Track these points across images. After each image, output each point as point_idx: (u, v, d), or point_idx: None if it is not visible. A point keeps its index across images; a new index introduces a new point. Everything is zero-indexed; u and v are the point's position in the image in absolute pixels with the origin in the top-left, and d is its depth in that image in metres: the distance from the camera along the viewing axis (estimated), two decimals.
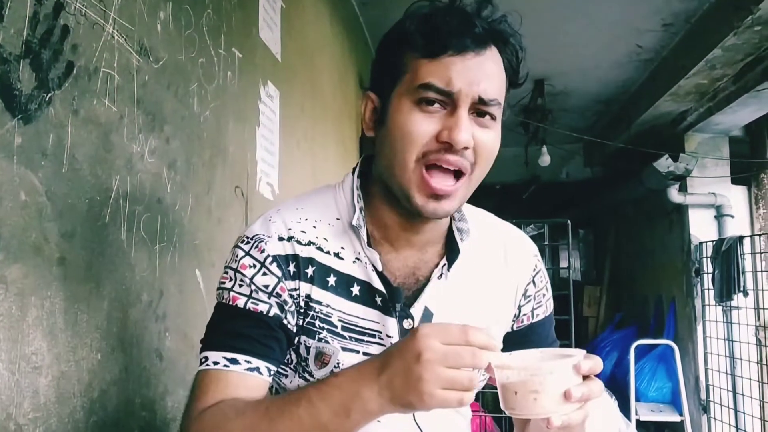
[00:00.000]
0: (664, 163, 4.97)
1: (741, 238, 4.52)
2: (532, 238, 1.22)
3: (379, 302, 0.98)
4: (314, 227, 0.99)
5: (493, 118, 0.92)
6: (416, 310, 0.98)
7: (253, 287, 0.95)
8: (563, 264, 8.78)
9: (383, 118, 0.95)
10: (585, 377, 0.80)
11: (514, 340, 1.08)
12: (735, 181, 5.30)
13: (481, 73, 0.89)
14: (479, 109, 0.90)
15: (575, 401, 0.78)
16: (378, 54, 0.99)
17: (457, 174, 0.92)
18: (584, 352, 0.82)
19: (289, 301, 0.96)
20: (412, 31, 0.91)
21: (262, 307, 0.95)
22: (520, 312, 1.10)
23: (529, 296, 1.10)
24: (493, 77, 0.91)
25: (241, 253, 0.97)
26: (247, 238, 0.98)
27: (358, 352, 0.97)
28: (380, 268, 0.97)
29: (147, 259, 1.33)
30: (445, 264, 1.01)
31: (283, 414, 0.85)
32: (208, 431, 0.88)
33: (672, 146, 5.22)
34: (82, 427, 1.10)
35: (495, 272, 1.07)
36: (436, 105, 0.90)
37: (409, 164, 0.91)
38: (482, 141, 0.91)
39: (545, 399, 0.78)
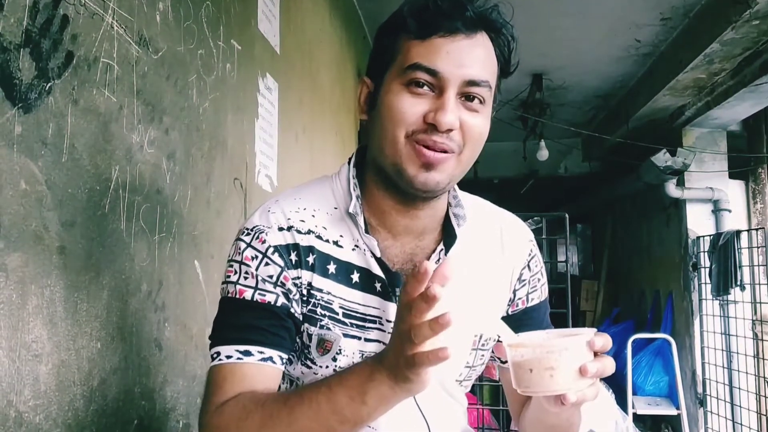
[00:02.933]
0: (662, 158, 4.98)
1: (738, 233, 4.53)
2: None
3: (378, 288, 0.99)
4: (313, 216, 1.00)
5: (482, 101, 0.93)
6: None
7: (258, 278, 0.96)
8: (561, 258, 8.78)
9: (375, 101, 0.97)
10: (595, 354, 0.82)
11: (509, 325, 1.09)
12: (732, 175, 5.31)
13: (470, 56, 0.91)
14: (468, 92, 0.91)
15: (591, 377, 0.79)
16: (375, 40, 1.01)
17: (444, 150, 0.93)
18: (594, 330, 0.83)
19: (294, 289, 0.97)
20: (405, 15, 0.93)
21: (270, 298, 0.95)
22: (515, 296, 1.11)
23: (524, 280, 1.11)
24: (482, 61, 0.92)
25: (243, 245, 0.98)
26: (248, 229, 0.99)
27: (359, 338, 0.98)
28: (378, 255, 0.98)
29: (146, 249, 1.33)
30: (442, 249, 1.02)
31: (302, 401, 0.85)
32: (231, 424, 0.88)
33: (670, 141, 5.23)
34: (82, 415, 1.10)
35: (491, 257, 1.08)
36: (425, 87, 0.91)
37: (399, 140, 0.92)
38: (470, 124, 0.93)
39: (561, 375, 0.79)
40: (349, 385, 0.84)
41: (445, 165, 0.93)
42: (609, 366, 0.82)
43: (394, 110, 0.92)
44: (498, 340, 1.05)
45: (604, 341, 0.82)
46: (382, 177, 0.99)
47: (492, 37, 0.94)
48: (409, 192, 0.96)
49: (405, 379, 0.79)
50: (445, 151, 0.92)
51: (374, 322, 0.99)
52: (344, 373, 0.86)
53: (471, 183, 1.09)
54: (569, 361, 0.79)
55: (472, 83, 0.91)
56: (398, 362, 0.78)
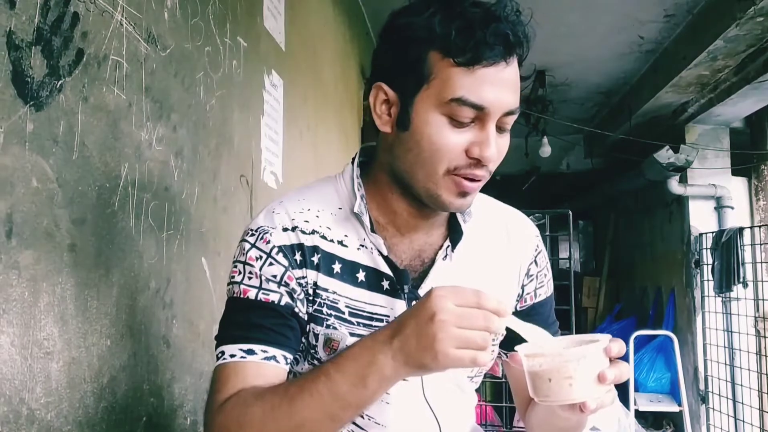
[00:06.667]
0: (665, 155, 4.98)
1: (741, 230, 4.53)
2: None
3: (386, 286, 0.99)
4: (317, 216, 1.00)
5: (509, 123, 0.93)
6: (423, 292, 0.99)
7: (262, 278, 0.96)
8: (563, 255, 8.79)
9: (404, 121, 0.92)
10: (610, 360, 0.82)
11: None
12: (735, 172, 5.31)
13: (509, 86, 0.89)
14: (504, 120, 0.91)
15: (609, 383, 0.80)
16: (391, 43, 0.95)
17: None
18: (609, 336, 0.83)
19: (298, 289, 0.97)
20: (442, 33, 0.87)
21: (273, 297, 0.96)
22: (523, 291, 1.12)
23: (531, 276, 1.12)
24: (516, 87, 0.91)
25: (247, 246, 0.98)
26: (252, 230, 0.99)
27: None
28: (385, 253, 0.98)
29: (155, 246, 1.33)
30: (449, 245, 1.02)
31: (302, 391, 0.86)
32: (232, 419, 0.88)
33: (673, 137, 5.22)
34: (92, 412, 1.11)
35: (498, 252, 1.09)
36: (467, 118, 0.88)
37: (439, 173, 0.91)
38: (502, 147, 0.93)
39: (580, 383, 0.79)
40: (349, 372, 0.84)
41: (478, 188, 0.95)
42: (625, 372, 0.82)
43: (435, 145, 0.89)
44: (508, 337, 1.05)
45: (620, 347, 0.82)
46: (400, 185, 0.99)
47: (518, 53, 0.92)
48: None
49: (422, 366, 0.80)
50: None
51: (381, 320, 0.99)
52: (342, 359, 0.86)
53: None
54: (588, 369, 0.79)
55: (510, 113, 0.90)
56: (420, 353, 0.79)
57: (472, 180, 0.92)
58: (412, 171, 0.94)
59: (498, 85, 0.87)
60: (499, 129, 0.92)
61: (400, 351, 0.81)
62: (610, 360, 0.82)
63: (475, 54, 0.86)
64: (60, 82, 1.01)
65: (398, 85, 0.94)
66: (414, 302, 0.98)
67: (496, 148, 0.91)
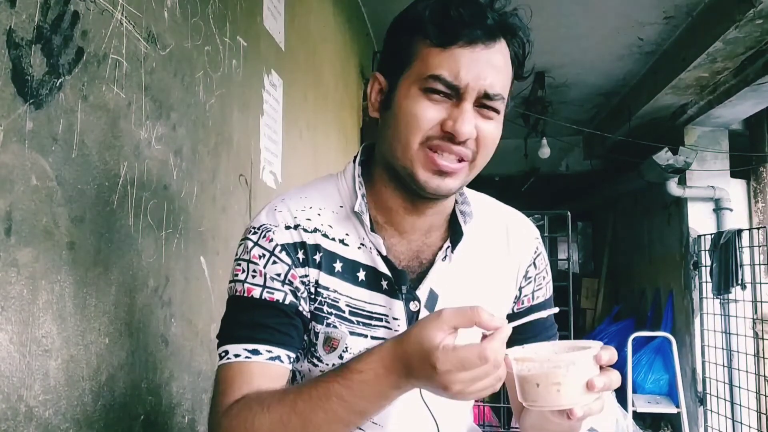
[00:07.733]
0: (664, 156, 4.98)
1: (739, 232, 4.54)
2: None
3: (385, 286, 0.99)
4: (319, 215, 1.01)
5: (495, 110, 0.94)
6: (422, 292, 1.00)
7: (266, 276, 0.96)
8: (562, 256, 8.79)
9: (389, 101, 0.96)
10: (601, 368, 0.82)
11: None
12: (734, 174, 5.31)
13: (488, 67, 0.90)
14: (484, 102, 0.92)
15: (597, 391, 0.80)
16: (389, 36, 1.00)
17: (460, 159, 0.94)
18: (601, 343, 0.83)
19: (301, 287, 0.98)
20: (424, 18, 0.92)
21: (278, 296, 0.96)
22: (521, 293, 1.12)
23: (529, 278, 1.12)
24: (499, 71, 0.92)
25: (250, 244, 0.98)
26: (254, 228, 0.99)
27: (366, 336, 0.99)
28: (384, 253, 0.99)
29: (153, 245, 1.33)
30: (449, 246, 1.03)
31: (314, 409, 0.85)
32: (239, 426, 0.88)
33: (672, 139, 5.22)
34: (90, 410, 1.11)
35: (497, 254, 1.09)
36: (443, 95, 0.91)
37: (413, 146, 0.92)
38: (484, 132, 0.93)
39: (568, 390, 0.79)
40: (368, 394, 0.83)
41: (460, 173, 0.95)
42: (615, 380, 0.82)
43: (410, 115, 0.92)
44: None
45: (611, 355, 0.82)
46: (392, 176, 1.00)
47: (509, 41, 0.94)
48: (420, 194, 0.97)
49: (439, 393, 0.81)
50: (461, 160, 0.93)
51: (380, 319, 0.99)
52: (353, 383, 0.83)
53: (472, 180, 1.10)
54: (576, 375, 0.79)
55: (487, 96, 0.91)
56: (440, 394, 0.81)
57: (445, 154, 0.92)
58: (392, 150, 0.95)
59: (475, 66, 0.90)
60: (484, 114, 0.93)
61: (428, 389, 0.83)
62: (601, 368, 0.82)
63: (451, 34, 0.89)
64: (60, 80, 1.01)
65: (388, 72, 0.98)
66: (411, 303, 0.99)
67: (478, 131, 0.92)
